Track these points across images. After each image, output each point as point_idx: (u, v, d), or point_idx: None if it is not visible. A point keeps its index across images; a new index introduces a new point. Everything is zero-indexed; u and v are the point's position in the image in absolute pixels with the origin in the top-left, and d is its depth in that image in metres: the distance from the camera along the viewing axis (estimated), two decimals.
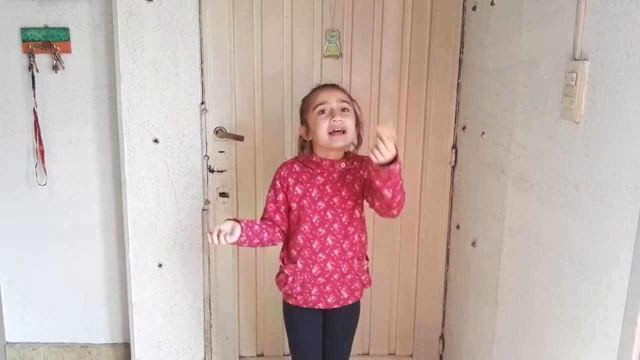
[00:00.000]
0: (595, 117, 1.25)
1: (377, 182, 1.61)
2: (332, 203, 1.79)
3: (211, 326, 2.49)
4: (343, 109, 1.77)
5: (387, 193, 1.62)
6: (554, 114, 1.44)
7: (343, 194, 1.80)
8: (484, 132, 2.02)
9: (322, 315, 1.91)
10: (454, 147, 2.35)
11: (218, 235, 1.67)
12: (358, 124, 1.85)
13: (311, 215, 1.80)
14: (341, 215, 1.80)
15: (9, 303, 2.56)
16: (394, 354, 2.60)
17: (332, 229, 1.80)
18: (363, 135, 1.91)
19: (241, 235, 1.72)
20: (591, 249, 1.27)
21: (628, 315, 1.12)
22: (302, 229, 1.81)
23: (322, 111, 1.76)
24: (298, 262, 1.83)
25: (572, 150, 1.35)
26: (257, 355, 2.57)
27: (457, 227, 2.34)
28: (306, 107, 1.84)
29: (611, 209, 1.19)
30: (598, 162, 1.24)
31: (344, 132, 1.76)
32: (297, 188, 1.82)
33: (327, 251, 1.80)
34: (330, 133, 1.75)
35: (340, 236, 1.80)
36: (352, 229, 1.82)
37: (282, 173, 1.85)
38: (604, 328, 1.21)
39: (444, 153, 2.37)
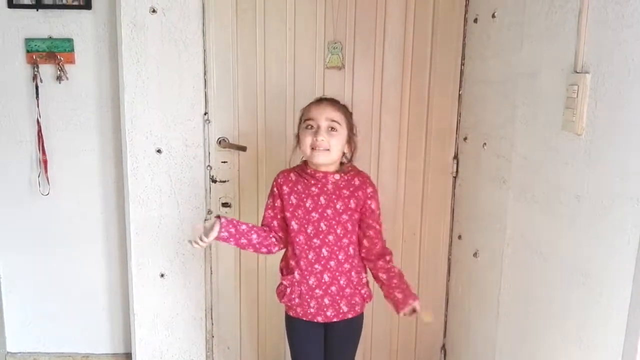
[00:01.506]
0: (597, 130, 1.26)
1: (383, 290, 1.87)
2: (325, 214, 1.79)
3: (213, 336, 2.49)
4: (331, 128, 1.76)
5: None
6: (556, 125, 1.45)
7: (338, 207, 1.80)
8: (485, 143, 2.03)
9: (324, 328, 1.90)
10: (456, 157, 2.36)
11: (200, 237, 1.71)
12: (350, 142, 1.83)
13: (306, 225, 1.80)
14: (335, 227, 1.80)
15: (11, 312, 2.56)
16: None
17: (327, 240, 1.80)
18: (356, 153, 1.87)
19: (221, 231, 1.73)
20: (593, 260, 1.28)
21: (630, 326, 1.13)
22: (298, 239, 1.81)
23: (310, 126, 1.78)
24: (295, 272, 1.83)
25: (573, 162, 1.36)
26: None
27: (459, 237, 2.34)
28: (300, 118, 1.85)
29: (612, 220, 1.20)
30: (599, 173, 1.25)
31: (327, 150, 1.75)
32: (292, 197, 1.82)
33: (322, 262, 1.81)
34: (312, 148, 1.76)
35: (335, 247, 1.81)
36: (347, 241, 1.82)
37: (279, 180, 1.86)
38: (606, 339, 1.22)
39: (446, 163, 2.38)
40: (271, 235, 1.86)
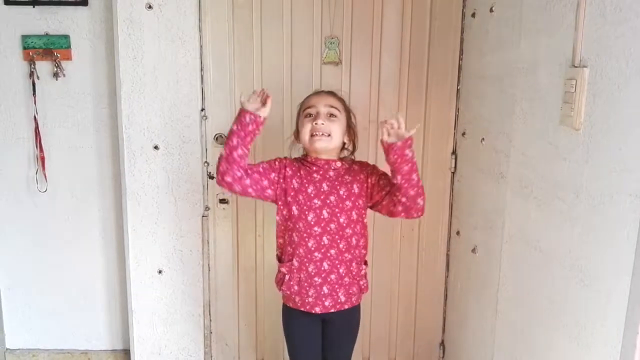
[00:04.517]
0: (595, 124, 1.25)
1: (399, 177, 1.66)
2: (328, 201, 1.77)
3: (211, 332, 2.49)
4: (330, 115, 1.77)
5: (407, 186, 1.67)
6: (554, 120, 1.44)
7: (341, 192, 1.78)
8: (483, 139, 2.02)
9: (322, 323, 1.89)
10: (454, 153, 2.36)
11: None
12: (350, 131, 1.84)
13: (306, 212, 1.76)
14: (338, 215, 1.77)
15: (9, 309, 2.56)
16: None
17: (328, 229, 1.77)
18: (357, 143, 1.89)
19: (255, 118, 1.66)
20: (591, 256, 1.27)
21: (629, 322, 1.12)
22: (297, 226, 1.78)
23: (309, 114, 1.78)
24: (294, 260, 1.80)
25: (571, 157, 1.36)
26: None
27: (457, 233, 2.34)
28: (298, 111, 1.86)
29: (611, 216, 1.19)
30: (598, 168, 1.24)
31: (328, 135, 1.75)
32: (294, 181, 1.79)
33: (323, 250, 1.78)
34: (312, 135, 1.75)
35: (337, 236, 1.78)
36: (350, 231, 1.79)
37: (284, 160, 1.83)
38: (605, 335, 1.21)
39: (444, 159, 2.37)
40: (248, 166, 1.71)
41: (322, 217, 1.77)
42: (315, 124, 1.74)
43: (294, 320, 1.89)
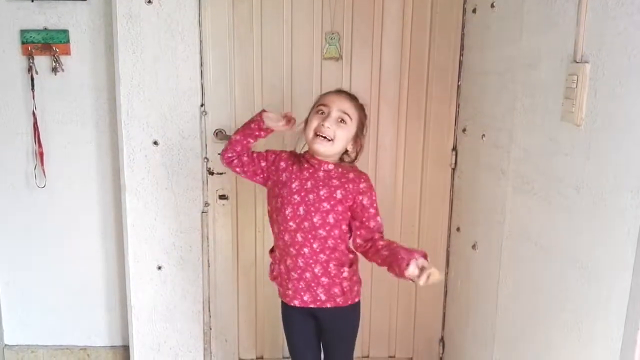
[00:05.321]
0: (597, 120, 1.25)
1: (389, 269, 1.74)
2: (307, 199, 1.74)
3: (210, 328, 2.49)
4: (341, 120, 1.73)
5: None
6: (555, 116, 1.44)
7: (321, 193, 1.75)
8: (484, 135, 2.01)
9: (315, 319, 1.88)
10: (454, 149, 2.35)
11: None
12: (357, 140, 1.81)
13: (286, 206, 1.75)
14: (313, 214, 1.74)
15: (8, 305, 2.56)
16: (394, 357, 2.60)
17: (302, 226, 1.74)
18: (360, 154, 1.85)
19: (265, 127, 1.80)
20: (592, 252, 1.27)
21: (630, 318, 1.12)
22: (278, 219, 1.78)
23: (321, 111, 1.75)
24: (276, 251, 1.84)
25: (573, 153, 1.35)
26: (257, 358, 2.56)
27: (458, 229, 2.34)
28: (314, 104, 1.81)
29: (612, 212, 1.19)
30: (599, 164, 1.24)
31: (330, 140, 1.72)
32: (284, 174, 1.79)
33: (296, 247, 1.76)
34: (316, 134, 1.73)
35: (309, 236, 1.74)
36: (324, 233, 1.75)
37: (282, 154, 1.84)
38: (606, 331, 1.21)
39: (444, 155, 2.37)
40: (248, 154, 1.85)
41: (297, 213, 1.74)
42: (323, 124, 1.72)
43: (287, 312, 1.92)
